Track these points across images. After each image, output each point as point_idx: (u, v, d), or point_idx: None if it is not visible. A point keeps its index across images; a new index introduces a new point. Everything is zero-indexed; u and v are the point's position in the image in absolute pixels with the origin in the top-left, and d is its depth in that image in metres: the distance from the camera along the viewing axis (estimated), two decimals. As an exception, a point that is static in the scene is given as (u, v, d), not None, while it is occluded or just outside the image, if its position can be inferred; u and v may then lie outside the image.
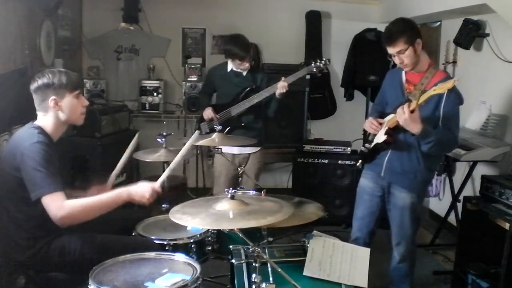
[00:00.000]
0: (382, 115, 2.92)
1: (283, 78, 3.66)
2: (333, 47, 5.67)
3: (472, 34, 4.06)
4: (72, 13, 5.02)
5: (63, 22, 4.80)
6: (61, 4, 4.45)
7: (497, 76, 3.92)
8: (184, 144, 2.50)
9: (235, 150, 3.82)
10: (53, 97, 2.28)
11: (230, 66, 3.86)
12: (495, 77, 3.96)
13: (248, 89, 3.82)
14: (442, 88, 2.47)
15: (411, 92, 2.78)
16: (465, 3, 3.74)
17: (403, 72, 2.88)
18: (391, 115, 2.78)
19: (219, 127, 3.17)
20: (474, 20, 4.05)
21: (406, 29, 2.73)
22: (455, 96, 2.70)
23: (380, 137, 2.83)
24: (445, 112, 2.69)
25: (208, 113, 3.85)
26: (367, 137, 3.04)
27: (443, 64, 4.80)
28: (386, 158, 2.88)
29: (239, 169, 3.17)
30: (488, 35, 3.97)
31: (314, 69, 3.73)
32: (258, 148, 3.92)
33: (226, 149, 3.71)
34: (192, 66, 5.31)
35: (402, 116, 2.58)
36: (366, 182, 3.05)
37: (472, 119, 4.06)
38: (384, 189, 2.96)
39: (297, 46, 5.53)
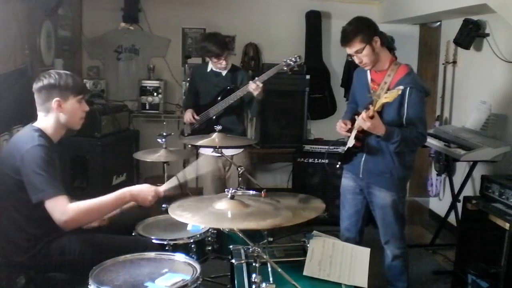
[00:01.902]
0: (357, 113, 2.94)
1: (256, 78, 3.65)
2: (333, 47, 5.66)
3: (472, 34, 4.05)
4: (72, 13, 5.03)
5: (63, 22, 4.80)
6: (61, 4, 4.45)
7: (497, 76, 3.92)
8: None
9: (215, 153, 3.74)
10: (57, 98, 2.27)
11: (210, 66, 3.84)
12: (495, 77, 3.96)
13: (228, 88, 3.79)
14: (390, 97, 2.56)
15: (376, 91, 2.82)
16: (465, 3, 3.73)
17: (368, 72, 2.91)
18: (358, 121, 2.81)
19: (218, 127, 3.14)
20: (474, 20, 4.05)
21: (361, 28, 2.75)
22: (418, 93, 2.73)
23: (350, 141, 2.89)
24: (410, 110, 2.73)
25: (188, 115, 3.85)
26: (344, 139, 3.07)
27: (443, 64, 4.80)
28: (363, 160, 2.92)
29: (239, 169, 3.16)
30: (488, 35, 3.97)
31: (285, 68, 3.67)
32: (241, 150, 3.83)
33: (206, 151, 3.67)
34: (192, 65, 5.31)
35: (364, 124, 2.67)
36: (346, 182, 3.09)
37: (472, 119, 4.06)
38: (363, 189, 2.99)
39: (297, 46, 5.52)
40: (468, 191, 4.02)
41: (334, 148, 4.70)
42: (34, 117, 2.37)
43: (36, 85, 2.29)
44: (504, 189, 3.04)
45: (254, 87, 3.59)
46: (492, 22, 3.96)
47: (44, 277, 2.27)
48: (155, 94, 5.23)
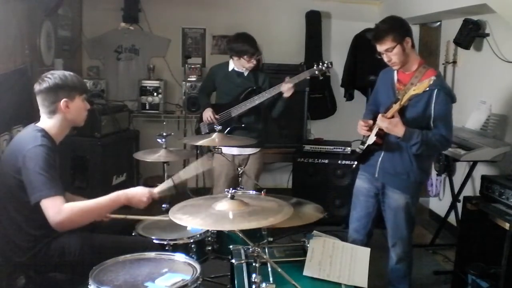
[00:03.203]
0: (377, 114, 2.92)
1: (286, 79, 3.65)
2: (333, 47, 5.67)
3: (472, 34, 4.05)
4: (72, 13, 5.03)
5: (63, 22, 4.80)
6: (61, 4, 4.45)
7: (497, 76, 3.92)
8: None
9: (235, 150, 3.81)
10: (65, 99, 2.27)
11: (232, 65, 3.85)
12: (495, 77, 3.96)
13: (250, 89, 3.81)
14: (420, 88, 2.52)
15: (401, 91, 2.79)
16: (465, 3, 3.74)
17: (395, 72, 2.89)
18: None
19: (219, 127, 3.16)
20: (474, 20, 4.05)
21: (394, 27, 2.74)
22: (445, 96, 2.71)
23: (371, 139, 2.86)
24: (436, 112, 2.70)
25: (208, 114, 3.83)
26: (362, 138, 3.05)
27: (443, 64, 4.80)
28: (380, 159, 2.89)
29: (239, 169, 3.17)
30: (488, 35, 3.97)
31: (317, 72, 3.72)
32: (258, 149, 3.91)
33: (226, 150, 3.70)
34: (192, 66, 5.32)
35: (383, 124, 2.66)
36: (361, 183, 3.06)
37: (472, 119, 4.06)
38: (378, 189, 2.97)
39: (297, 46, 5.54)
40: (468, 191, 4.02)
41: (335, 148, 4.72)
42: (34, 117, 2.36)
43: (40, 86, 2.26)
44: (504, 189, 3.04)
45: (286, 88, 3.62)
46: (492, 22, 3.95)
47: (44, 277, 2.27)
48: (155, 94, 5.23)
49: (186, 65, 5.21)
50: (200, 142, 3.15)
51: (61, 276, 2.29)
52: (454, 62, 4.61)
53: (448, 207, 4.21)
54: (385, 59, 2.80)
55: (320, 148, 4.75)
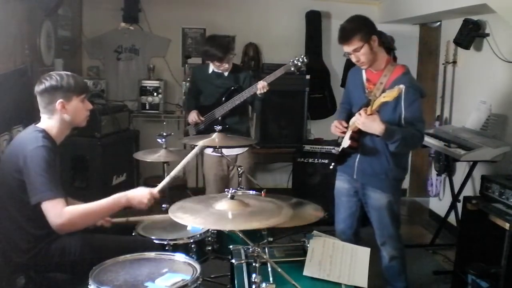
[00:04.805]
0: (351, 113, 2.90)
1: (263, 79, 3.64)
2: (333, 47, 5.67)
3: (472, 34, 4.06)
4: (72, 13, 5.03)
5: (63, 22, 4.80)
6: (61, 4, 4.44)
7: (497, 76, 3.92)
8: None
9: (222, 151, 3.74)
10: (60, 100, 2.27)
11: (211, 67, 3.83)
12: (495, 77, 3.96)
13: (232, 89, 3.79)
14: (390, 96, 2.50)
15: (371, 91, 2.78)
16: (465, 3, 3.74)
17: (363, 71, 2.88)
18: (354, 118, 2.77)
19: (219, 127, 3.14)
20: (474, 20, 4.05)
21: (360, 26, 2.73)
22: (414, 91, 2.70)
23: (346, 142, 2.85)
24: (406, 108, 2.68)
25: (192, 116, 3.85)
26: (337, 139, 3.04)
27: (443, 64, 4.80)
28: (357, 160, 2.89)
29: (239, 169, 3.16)
30: (488, 35, 3.97)
31: (292, 68, 3.68)
32: (246, 149, 3.86)
33: (211, 151, 3.69)
34: (192, 66, 5.31)
35: (360, 119, 2.62)
36: (341, 184, 3.06)
37: (472, 119, 4.06)
38: (358, 190, 2.97)
39: (297, 46, 5.53)
40: (468, 191, 4.02)
41: (335, 149, 4.71)
42: (34, 117, 2.36)
43: (38, 88, 2.28)
44: (504, 189, 3.04)
45: (260, 86, 3.59)
46: (492, 22, 3.96)
47: (44, 277, 2.27)
48: (155, 94, 5.23)
49: (186, 65, 5.21)
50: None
51: (61, 276, 2.29)
52: (454, 62, 4.61)
53: (448, 207, 4.21)
54: (353, 60, 2.78)
55: (320, 148, 4.75)
